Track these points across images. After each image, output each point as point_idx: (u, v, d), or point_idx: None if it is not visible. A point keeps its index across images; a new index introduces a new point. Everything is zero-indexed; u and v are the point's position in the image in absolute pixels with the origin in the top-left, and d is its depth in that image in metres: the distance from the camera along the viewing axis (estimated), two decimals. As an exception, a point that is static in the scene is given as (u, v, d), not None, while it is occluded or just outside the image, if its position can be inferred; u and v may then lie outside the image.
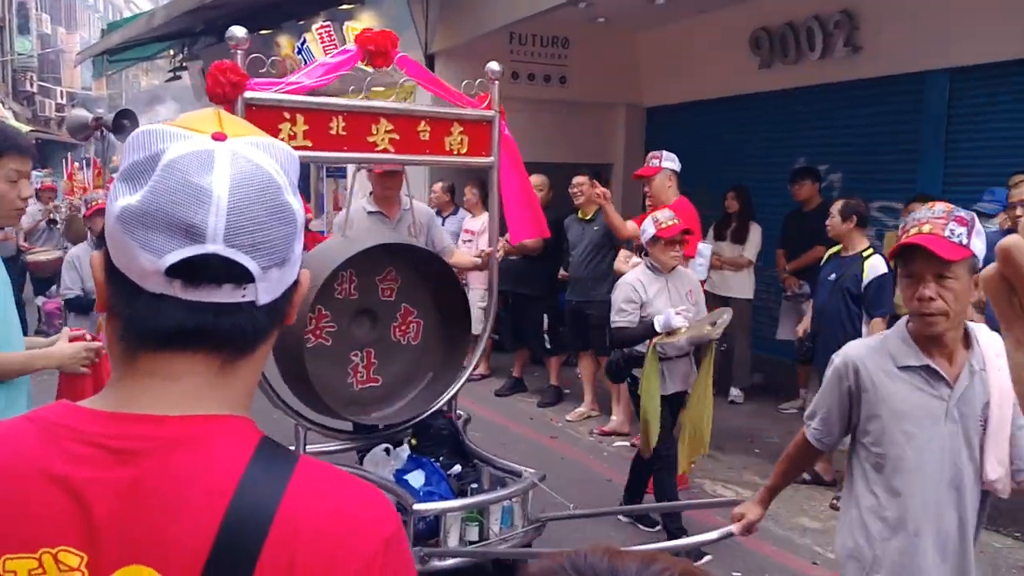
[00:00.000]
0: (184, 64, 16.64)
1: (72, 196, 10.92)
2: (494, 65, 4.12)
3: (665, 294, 4.57)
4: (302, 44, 11.17)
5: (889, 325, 5.42)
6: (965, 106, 6.76)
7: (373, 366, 3.99)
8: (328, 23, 10.34)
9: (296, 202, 0.90)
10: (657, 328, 4.38)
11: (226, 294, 0.87)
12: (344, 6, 9.92)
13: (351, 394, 3.93)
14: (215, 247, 0.84)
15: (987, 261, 2.36)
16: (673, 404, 4.65)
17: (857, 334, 5.13)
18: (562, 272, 7.48)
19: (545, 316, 7.48)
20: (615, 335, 4.72)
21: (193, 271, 0.84)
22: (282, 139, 2.67)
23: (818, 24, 7.50)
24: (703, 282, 5.56)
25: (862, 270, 5.13)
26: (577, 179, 6.77)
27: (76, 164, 12.50)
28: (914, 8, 6.76)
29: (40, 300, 9.20)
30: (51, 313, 8.65)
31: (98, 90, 31.50)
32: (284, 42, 11.70)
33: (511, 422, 7.02)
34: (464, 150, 3.96)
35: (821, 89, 7.79)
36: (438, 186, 8.29)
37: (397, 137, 3.68)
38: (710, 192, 8.01)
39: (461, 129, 3.93)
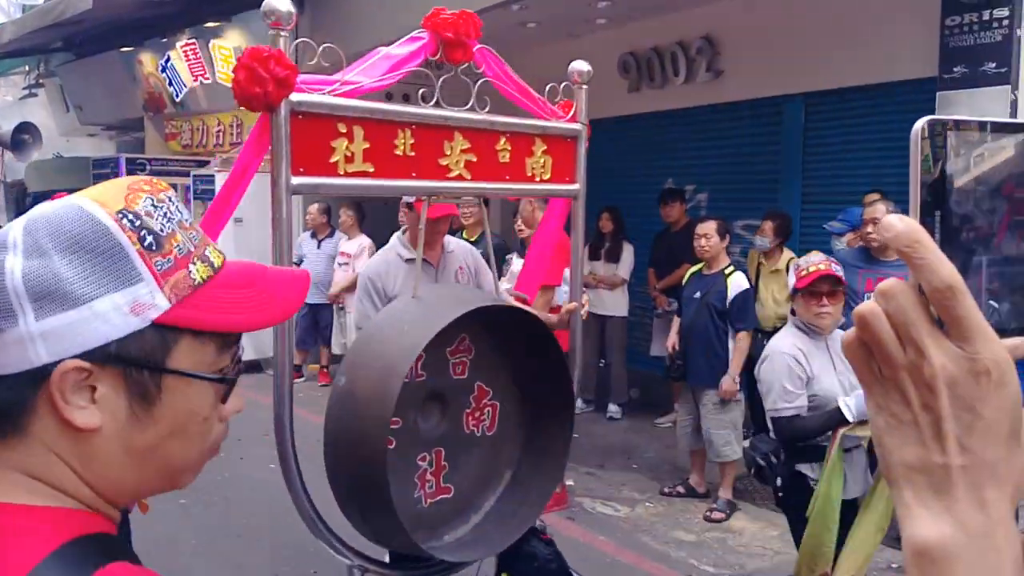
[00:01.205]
0: (40, 81, 15.84)
1: None
2: (581, 64, 3.20)
3: (829, 364, 3.59)
4: (166, 62, 10.85)
5: (754, 338, 5.69)
6: (819, 129, 7.12)
7: (444, 470, 2.86)
8: (193, 40, 10.08)
9: (17, 267, 0.79)
10: (849, 416, 3.27)
11: None
12: (209, 23, 9.65)
13: (418, 513, 2.79)
14: None
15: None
16: (845, 514, 3.28)
17: (724, 349, 5.33)
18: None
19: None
20: (787, 429, 3.53)
21: None
22: (334, 162, 2.42)
23: (681, 49, 7.75)
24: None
25: (726, 287, 5.33)
26: (465, 197, 6.77)
27: None
28: (770, 35, 7.08)
29: None
30: None
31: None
32: (147, 60, 11.30)
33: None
34: (547, 175, 3.09)
35: (686, 112, 8.05)
36: (314, 208, 8.16)
37: (474, 159, 2.80)
38: (587, 213, 8.15)
39: (544, 148, 3.06)
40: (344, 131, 2.47)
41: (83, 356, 0.79)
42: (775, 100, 7.31)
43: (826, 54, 6.74)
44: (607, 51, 8.43)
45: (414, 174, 2.66)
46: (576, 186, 3.25)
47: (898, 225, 0.54)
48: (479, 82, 2.82)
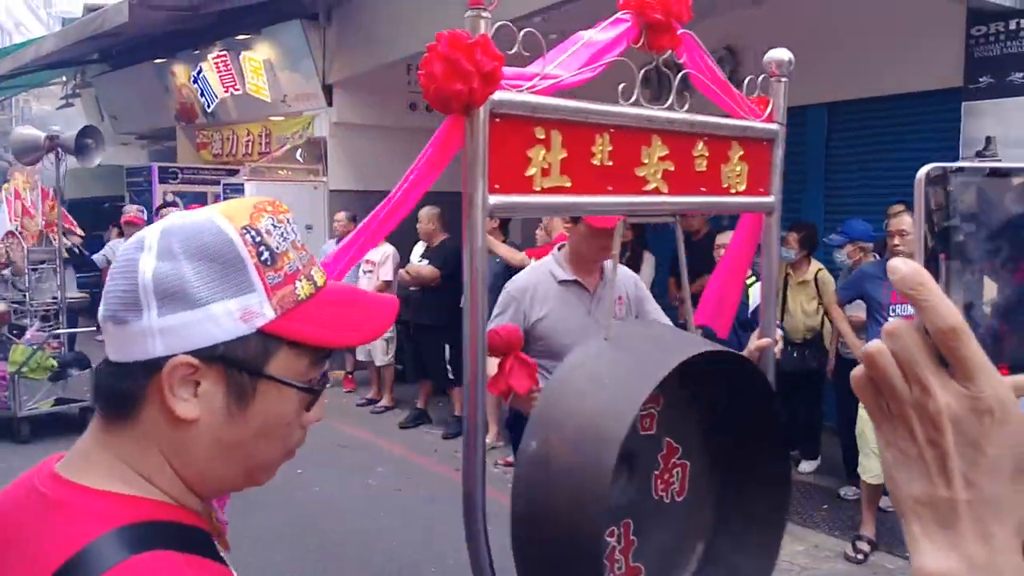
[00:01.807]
0: (77, 91, 16.15)
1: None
2: (781, 53, 2.73)
3: None
4: (198, 73, 11.04)
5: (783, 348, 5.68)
6: (842, 139, 7.09)
7: (632, 546, 2.36)
8: (224, 52, 10.24)
9: (149, 267, 0.88)
10: None
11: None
12: (240, 36, 9.81)
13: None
14: None
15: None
16: None
17: (745, 359, 5.33)
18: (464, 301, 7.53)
19: (447, 346, 7.50)
20: None
21: None
22: (530, 176, 1.99)
23: (705, 59, 7.75)
24: None
25: (747, 297, 5.32)
26: None
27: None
28: (792, 45, 7.03)
29: None
30: None
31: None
32: (180, 71, 11.50)
33: (415, 454, 7.00)
34: (742, 186, 2.57)
35: (710, 122, 8.03)
36: (343, 215, 8.23)
37: (671, 168, 2.35)
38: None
39: (740, 153, 2.55)
40: (542, 137, 2.04)
41: (193, 353, 0.87)
42: (797, 110, 7.25)
43: (849, 64, 6.71)
44: (629, 62, 8.45)
45: (610, 188, 2.21)
46: (771, 199, 2.72)
47: (903, 268, 0.56)
48: (680, 74, 2.34)
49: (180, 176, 11.40)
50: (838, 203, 7.10)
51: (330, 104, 9.16)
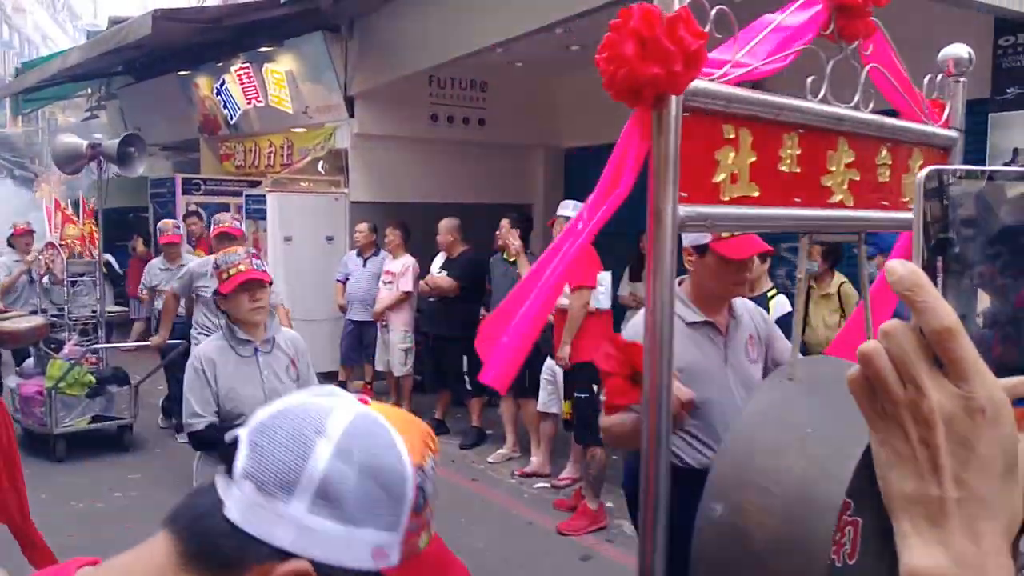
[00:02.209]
0: (102, 103, 16.34)
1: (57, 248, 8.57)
2: (959, 49, 2.39)
3: None
4: (221, 85, 11.13)
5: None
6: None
7: None
8: (247, 65, 10.32)
9: (323, 460, 0.83)
10: None
11: (222, 481, 0.85)
12: (263, 48, 9.88)
13: None
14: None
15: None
16: None
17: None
18: (484, 312, 7.52)
19: (464, 357, 7.48)
20: None
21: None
22: (717, 183, 1.71)
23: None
24: (604, 312, 5.68)
25: (768, 309, 5.27)
26: (502, 221, 6.88)
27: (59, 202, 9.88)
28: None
29: (14, 380, 7.54)
30: (30, 398, 7.17)
31: (14, 128, 30.70)
32: (203, 83, 11.59)
33: (432, 465, 6.99)
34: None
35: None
36: (364, 226, 8.24)
37: (857, 177, 2.05)
38: (628, 233, 8.16)
39: (920, 161, 2.28)
40: (731, 137, 1.73)
41: (314, 562, 0.83)
42: (821, 121, 7.23)
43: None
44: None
45: (797, 200, 1.89)
46: None
47: (900, 270, 0.57)
48: (867, 68, 2.06)
49: (203, 187, 11.47)
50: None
51: (352, 115, 9.19)
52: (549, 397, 6.52)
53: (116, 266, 9.48)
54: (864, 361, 0.59)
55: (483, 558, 5.02)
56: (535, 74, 9.55)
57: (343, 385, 9.00)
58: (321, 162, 9.85)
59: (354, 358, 8.55)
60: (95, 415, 7.21)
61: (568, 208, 5.72)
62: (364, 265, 8.24)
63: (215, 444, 2.94)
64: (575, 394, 5.73)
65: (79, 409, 7.08)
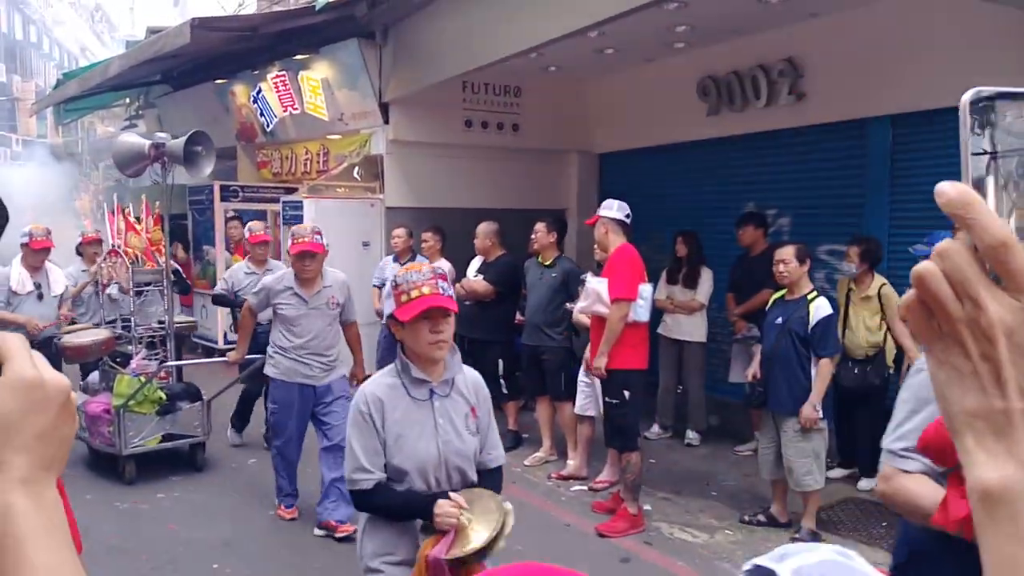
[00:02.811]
0: (140, 112, 16.61)
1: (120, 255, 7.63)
2: None
3: None
4: (257, 93, 11.26)
5: (840, 366, 5.58)
6: (908, 150, 6.94)
7: None
8: (283, 72, 10.43)
9: None
10: None
11: None
12: (298, 56, 9.98)
13: None
14: None
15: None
16: None
17: (807, 376, 5.23)
18: (519, 316, 7.53)
19: (500, 361, 7.50)
20: None
21: None
22: None
23: (763, 72, 7.68)
24: (641, 323, 5.64)
25: (808, 312, 5.23)
26: (536, 226, 6.93)
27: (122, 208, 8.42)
28: (855, 57, 6.96)
29: (79, 397, 6.43)
30: (96, 417, 6.68)
31: (54, 138, 31.25)
32: (240, 91, 11.73)
33: (469, 469, 7.00)
34: None
35: (768, 135, 7.96)
36: (402, 231, 8.23)
37: None
38: (663, 237, 8.15)
39: None
40: None
41: None
42: (860, 122, 7.18)
43: (913, 74, 6.59)
44: (685, 75, 8.41)
45: None
46: None
47: (950, 191, 0.58)
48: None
49: (241, 194, 11.59)
50: (903, 216, 6.95)
51: (387, 122, 9.25)
52: (586, 400, 6.52)
53: (183, 275, 8.97)
54: (918, 283, 0.60)
55: (522, 559, 5.01)
56: (569, 78, 9.55)
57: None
58: (357, 168, 9.92)
59: (389, 360, 8.58)
60: (166, 434, 6.78)
61: (612, 208, 5.70)
62: None
63: (386, 508, 2.73)
64: (606, 399, 5.71)
65: (149, 428, 6.62)
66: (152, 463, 6.68)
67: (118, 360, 7.09)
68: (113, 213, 7.66)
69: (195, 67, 11.80)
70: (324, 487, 5.52)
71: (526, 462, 7.04)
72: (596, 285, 5.62)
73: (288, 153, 11.68)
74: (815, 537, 5.33)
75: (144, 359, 6.90)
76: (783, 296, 5.45)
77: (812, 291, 5.34)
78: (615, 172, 10.30)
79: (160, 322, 7.32)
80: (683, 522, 5.81)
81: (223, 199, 11.38)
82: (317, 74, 9.94)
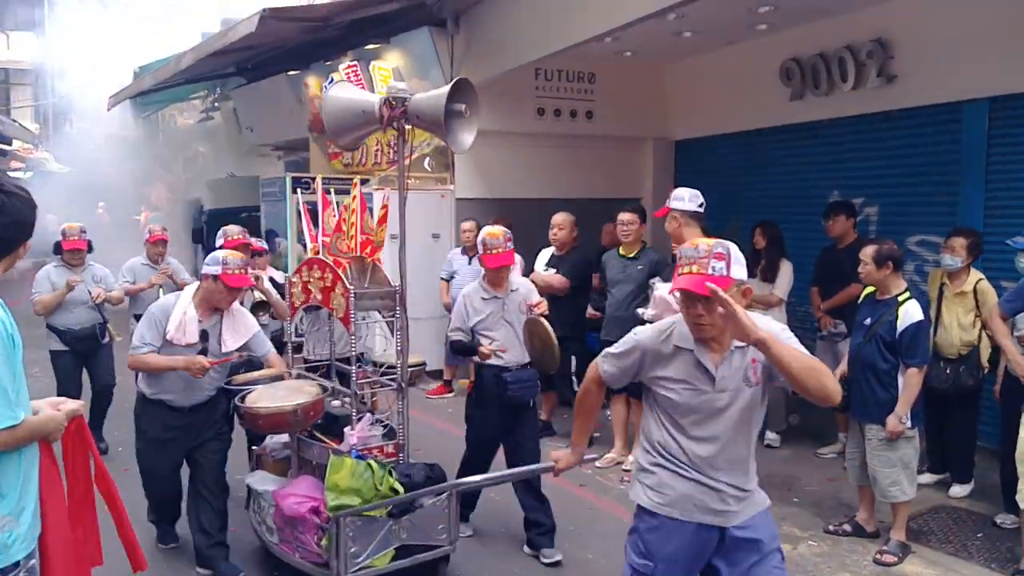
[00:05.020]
0: (216, 104, 16.84)
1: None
2: None
3: None
4: (330, 83, 11.23)
5: (931, 372, 5.20)
6: (1006, 136, 6.52)
7: None
8: (355, 63, 10.38)
9: None
10: None
11: None
12: (370, 46, 9.92)
13: None
14: None
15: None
16: None
17: (894, 383, 4.89)
18: (591, 311, 7.30)
19: (572, 358, 7.28)
20: None
21: None
22: None
23: (850, 54, 7.31)
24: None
25: (897, 316, 4.88)
26: (624, 216, 6.52)
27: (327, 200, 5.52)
28: (950, 36, 6.56)
29: (262, 482, 4.78)
30: (298, 520, 4.27)
31: (135, 131, 32.10)
32: (312, 82, 11.75)
33: (539, 467, 6.82)
34: None
35: (855, 120, 7.59)
36: (470, 224, 8.13)
37: None
38: (742, 227, 7.82)
39: None
40: None
41: None
42: (954, 106, 6.77)
43: (1011, 54, 6.16)
44: (768, 57, 8.08)
45: None
46: None
47: None
48: None
49: (312, 186, 11.61)
50: (999, 205, 6.53)
51: (458, 111, 9.13)
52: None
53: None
54: None
55: (592, 569, 4.83)
56: (645, 63, 9.28)
57: (448, 384, 8.95)
58: (428, 159, 9.82)
59: (459, 360, 8.48)
60: (401, 545, 4.24)
61: (684, 199, 5.40)
62: (469, 263, 8.14)
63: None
64: None
65: (380, 538, 4.17)
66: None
67: (327, 424, 4.68)
68: (335, 206, 5.18)
69: (269, 59, 11.84)
70: None
71: (598, 463, 6.81)
72: (662, 292, 5.17)
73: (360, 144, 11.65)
74: (905, 549, 5.02)
75: (371, 425, 4.59)
76: (874, 294, 5.11)
77: (904, 292, 4.97)
78: (690, 159, 9.99)
79: (390, 366, 4.70)
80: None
81: (295, 191, 11.39)
82: (389, 64, 9.86)
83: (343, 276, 4.42)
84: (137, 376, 4.70)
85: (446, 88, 4.20)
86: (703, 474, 2.86)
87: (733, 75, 8.59)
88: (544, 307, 5.09)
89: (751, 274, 7.19)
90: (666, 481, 2.92)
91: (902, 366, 4.86)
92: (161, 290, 7.10)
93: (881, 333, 4.89)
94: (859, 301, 5.31)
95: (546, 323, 4.95)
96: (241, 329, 4.64)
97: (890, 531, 5.12)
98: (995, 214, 6.53)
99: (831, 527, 5.40)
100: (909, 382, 4.83)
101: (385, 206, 4.98)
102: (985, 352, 5.70)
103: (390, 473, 4.20)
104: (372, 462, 4.20)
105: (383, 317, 4.63)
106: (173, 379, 4.48)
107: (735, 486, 2.89)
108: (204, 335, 4.49)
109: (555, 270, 7.14)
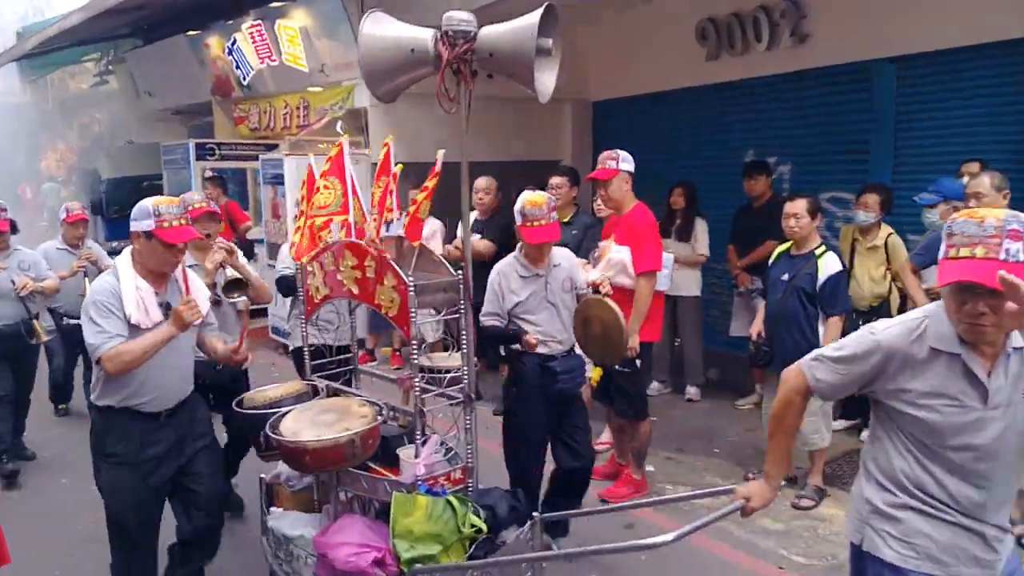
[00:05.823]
0: (111, 67, 16.07)
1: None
2: None
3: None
4: (232, 44, 10.83)
5: (846, 322, 5.35)
6: (913, 94, 6.71)
7: None
8: (259, 22, 10.01)
9: None
10: None
11: None
12: (275, 3, 9.56)
13: None
14: None
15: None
16: None
17: (815, 334, 5.01)
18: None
19: (500, 322, 7.21)
20: None
21: None
22: None
23: (764, 14, 7.39)
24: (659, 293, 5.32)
25: (816, 269, 4.99)
26: (555, 180, 6.32)
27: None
28: (859, -4, 6.69)
29: (292, 525, 3.79)
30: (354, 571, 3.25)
31: (23, 96, 30.49)
32: (214, 43, 11.29)
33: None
34: None
35: (769, 80, 7.69)
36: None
37: None
38: (656, 188, 7.88)
39: None
40: None
41: None
42: (864, 65, 6.92)
43: (918, 15, 6.33)
44: (683, 17, 8.11)
45: None
46: None
47: None
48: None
49: (218, 152, 11.19)
50: (908, 162, 6.74)
51: (369, 72, 8.90)
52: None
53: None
54: None
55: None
56: (560, 24, 9.20)
57: (371, 352, 8.81)
58: (340, 122, 9.56)
59: (382, 325, 8.36)
60: None
61: (629, 160, 5.17)
62: (482, 236, 7.94)
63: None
64: (616, 368, 5.10)
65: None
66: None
67: (387, 452, 3.57)
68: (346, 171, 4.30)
69: (165, 19, 11.33)
70: None
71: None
72: (621, 255, 5.09)
73: (267, 107, 11.27)
74: (821, 493, 5.20)
75: (437, 452, 3.58)
76: (788, 250, 5.21)
77: (820, 246, 5.09)
78: (608, 121, 10.00)
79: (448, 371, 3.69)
80: (687, 482, 5.64)
81: (199, 158, 10.96)
82: (295, 23, 9.53)
83: (398, 268, 3.41)
84: (92, 384, 3.54)
85: (535, 15, 3.24)
86: (969, 516, 2.26)
87: (649, 36, 8.59)
88: (608, 286, 4.45)
89: (665, 234, 7.28)
90: (919, 528, 2.31)
91: (823, 316, 4.98)
92: (87, 279, 6.11)
93: (801, 286, 4.99)
94: (771, 259, 5.38)
95: (614, 305, 4.25)
96: (198, 291, 3.66)
97: (807, 476, 5.29)
98: (903, 171, 6.74)
99: (750, 476, 5.55)
100: (831, 330, 4.96)
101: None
102: (895, 304, 5.89)
103: (468, 509, 3.23)
104: (452, 498, 3.24)
105: (436, 312, 3.67)
106: (149, 373, 3.40)
107: (1000, 527, 2.31)
108: (167, 308, 3.46)
109: (480, 235, 7.04)
